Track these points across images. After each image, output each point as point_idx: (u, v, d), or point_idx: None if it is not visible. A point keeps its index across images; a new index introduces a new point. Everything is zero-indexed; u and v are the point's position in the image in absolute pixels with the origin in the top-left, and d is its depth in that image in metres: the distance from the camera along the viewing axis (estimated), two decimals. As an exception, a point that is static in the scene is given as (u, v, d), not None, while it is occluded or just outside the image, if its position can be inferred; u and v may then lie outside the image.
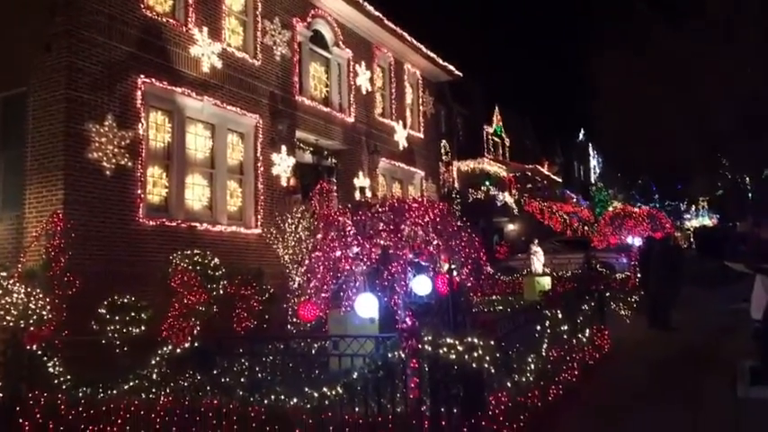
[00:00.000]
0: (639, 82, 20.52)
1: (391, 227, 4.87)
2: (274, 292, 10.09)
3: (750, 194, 23.93)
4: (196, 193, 11.04)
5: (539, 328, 6.40)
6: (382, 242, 5.03)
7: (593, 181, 56.15)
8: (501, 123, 37.63)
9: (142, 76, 9.79)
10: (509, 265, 21.29)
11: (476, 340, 4.33)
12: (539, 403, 5.69)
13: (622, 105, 21.21)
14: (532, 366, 5.69)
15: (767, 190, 20.94)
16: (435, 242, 5.36)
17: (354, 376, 4.74)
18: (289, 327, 9.83)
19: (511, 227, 31.40)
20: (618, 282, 15.51)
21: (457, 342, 4.33)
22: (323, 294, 5.41)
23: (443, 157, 27.88)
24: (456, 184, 28.63)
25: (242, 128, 12.11)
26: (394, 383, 4.66)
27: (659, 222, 18.46)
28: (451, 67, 20.52)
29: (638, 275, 13.53)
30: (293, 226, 11.97)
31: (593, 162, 61.15)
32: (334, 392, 4.77)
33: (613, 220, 19.25)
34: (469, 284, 5.81)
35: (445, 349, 4.30)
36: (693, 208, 58.36)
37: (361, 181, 15.84)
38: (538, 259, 16.29)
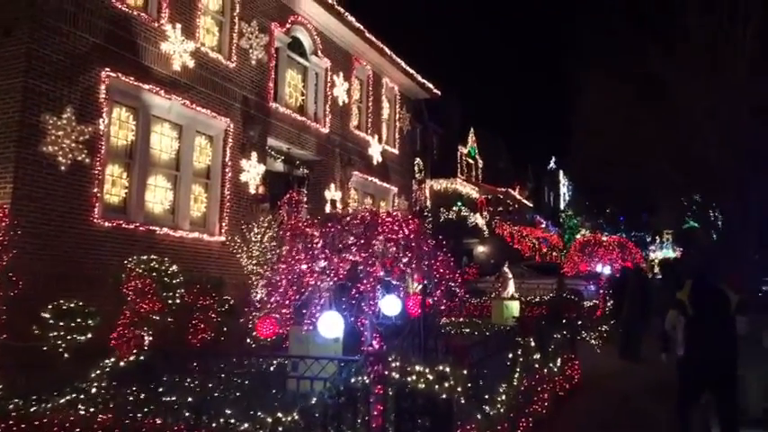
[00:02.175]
0: (615, 108, 20.69)
1: (362, 241, 4.53)
2: (235, 303, 9.62)
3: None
4: (158, 195, 10.52)
5: (511, 355, 6.09)
6: (352, 257, 4.69)
7: (562, 208, 56.74)
8: (475, 145, 37.74)
9: (107, 69, 9.30)
10: (477, 287, 21.04)
11: (447, 369, 3.98)
12: (508, 437, 5.36)
13: (596, 132, 21.36)
14: (504, 397, 5.36)
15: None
16: (408, 260, 5.03)
17: (313, 401, 4.34)
18: (248, 341, 9.35)
19: (480, 249, 31.29)
20: (586, 310, 15.36)
21: (427, 370, 3.97)
22: (283, 310, 5.03)
23: (417, 175, 27.69)
24: (428, 203, 28.44)
25: (211, 131, 11.64)
26: (356, 411, 4.26)
27: (629, 252, 18.48)
28: (430, 85, 20.38)
29: (610, 304, 13.39)
30: (259, 235, 11.54)
31: (563, 189, 61.91)
32: (289, 419, 4.36)
33: (584, 248, 19.22)
34: (442, 307, 5.47)
35: (414, 377, 3.94)
36: (658, 240, 59.42)
37: (333, 193, 15.47)
38: (511, 283, 16.08)
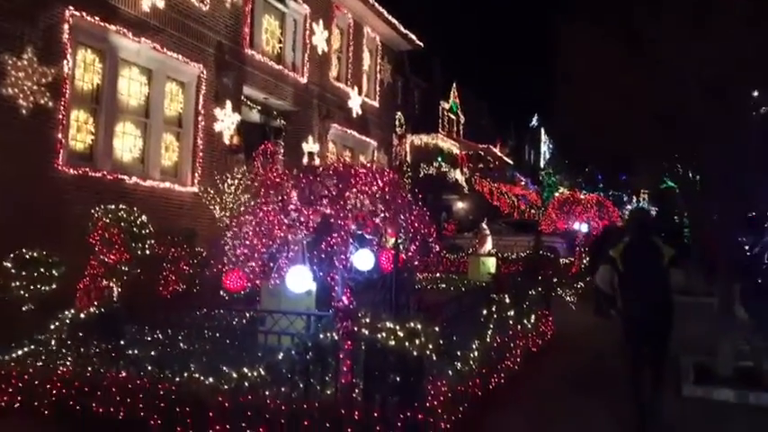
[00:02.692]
0: (597, 66, 20.38)
1: (334, 193, 4.33)
2: (208, 255, 9.41)
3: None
4: (127, 143, 10.14)
5: (485, 312, 6.01)
6: (324, 210, 4.49)
7: (542, 166, 56.82)
8: (458, 101, 37.28)
9: (71, 7, 8.77)
10: (455, 243, 21.09)
11: (419, 326, 3.85)
12: (479, 392, 5.32)
13: (578, 90, 21.11)
14: (476, 354, 5.30)
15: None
16: (382, 214, 4.85)
17: (280, 357, 4.22)
18: (222, 294, 9.20)
19: (460, 205, 31.27)
20: (562, 267, 15.45)
21: (398, 327, 3.84)
22: (251, 263, 4.85)
23: (397, 130, 27.27)
24: (408, 158, 28.17)
25: (183, 77, 11.18)
26: (324, 367, 4.15)
27: (606, 210, 18.53)
28: (412, 36, 19.86)
29: (586, 261, 13.45)
30: (233, 187, 11.26)
31: (544, 148, 61.86)
32: (255, 374, 4.23)
33: (562, 206, 19.22)
34: (417, 262, 5.33)
35: (384, 334, 3.81)
36: (635, 199, 60.01)
37: (311, 146, 15.13)
38: (488, 240, 16.05)
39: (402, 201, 4.97)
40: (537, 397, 5.94)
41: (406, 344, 3.80)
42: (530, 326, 7.43)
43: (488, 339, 5.73)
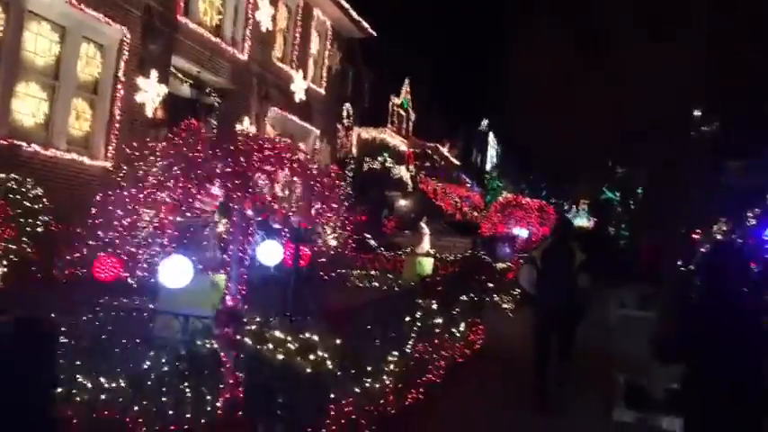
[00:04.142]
0: (549, 74, 20.30)
1: (228, 170, 3.67)
2: (85, 236, 8.46)
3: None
4: (29, 106, 9.02)
5: (408, 319, 5.38)
6: (215, 190, 3.81)
7: (488, 169, 57.13)
8: (409, 96, 36.77)
9: (-33, -56, 7.66)
10: (394, 240, 20.50)
11: (315, 337, 3.17)
12: (392, 411, 4.69)
13: (528, 97, 21.01)
14: (392, 367, 4.66)
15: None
16: (296, 199, 4.20)
17: (146, 366, 3.45)
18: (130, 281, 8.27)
19: (402, 202, 30.75)
20: (499, 272, 15.06)
21: (289, 338, 3.15)
22: (126, 247, 4.11)
23: (345, 121, 26.50)
24: (354, 150, 27.43)
25: (103, 39, 10.11)
26: (200, 381, 3.42)
27: (548, 216, 18.31)
28: (364, 23, 19.16)
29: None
30: (150, 164, 10.25)
31: (492, 152, 62.26)
32: (114, 385, 3.46)
33: (504, 209, 18.92)
34: (326, 258, 4.68)
35: (270, 346, 3.11)
36: (575, 208, 61.13)
37: (247, 127, 14.20)
38: (426, 239, 15.53)
39: (320, 184, 4.34)
40: (457, 413, 5.37)
41: (298, 358, 3.11)
42: (459, 334, 6.87)
43: (408, 350, 5.10)
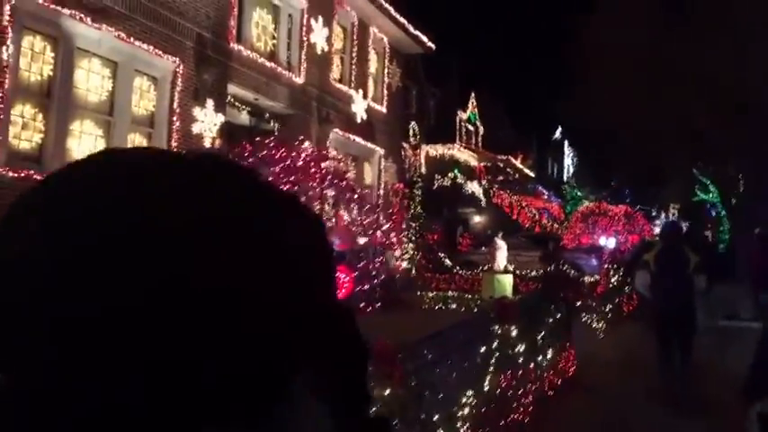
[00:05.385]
0: (626, 80, 18.87)
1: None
2: None
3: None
4: (85, 143, 8.93)
5: (483, 349, 4.56)
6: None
7: (565, 179, 54.96)
8: (476, 110, 35.87)
9: (13, -14, 7.63)
10: (470, 258, 19.54)
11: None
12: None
13: (605, 103, 19.62)
14: (466, 411, 3.86)
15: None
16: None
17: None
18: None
19: (477, 218, 29.72)
20: (586, 286, 13.85)
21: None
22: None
23: (411, 140, 25.96)
24: (423, 169, 26.78)
25: (156, 71, 9.99)
26: None
27: (636, 223, 16.86)
28: (424, 38, 18.57)
29: (615, 281, 11.85)
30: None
31: (568, 161, 60.00)
32: None
33: (587, 218, 17.60)
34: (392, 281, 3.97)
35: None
36: (664, 213, 57.68)
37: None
38: (501, 254, 14.54)
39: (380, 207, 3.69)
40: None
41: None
42: (545, 363, 5.95)
43: (486, 388, 4.27)
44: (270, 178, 1.99)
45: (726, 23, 15.37)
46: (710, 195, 21.42)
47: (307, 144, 12.81)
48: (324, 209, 2.99)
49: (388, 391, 2.60)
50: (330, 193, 3.29)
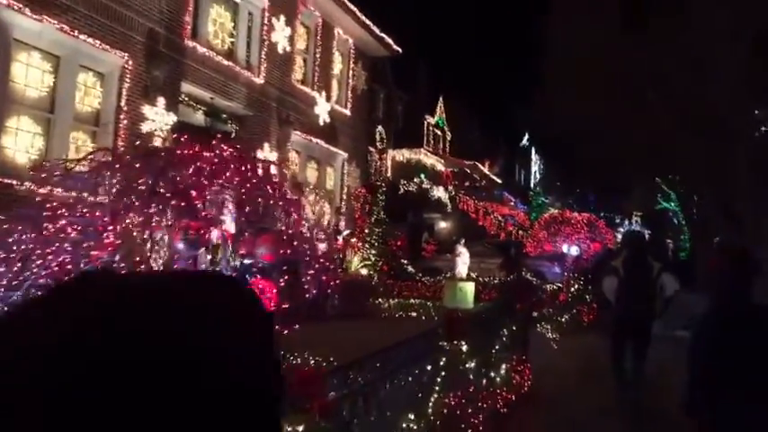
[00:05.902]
0: (586, 86, 18.88)
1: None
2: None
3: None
4: (22, 141, 8.42)
5: (430, 368, 4.28)
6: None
7: (532, 186, 55.39)
8: (444, 115, 35.82)
9: (-58, -29, 7.12)
10: (434, 265, 19.33)
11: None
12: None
13: (568, 110, 19.62)
14: (407, 436, 3.56)
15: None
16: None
17: None
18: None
19: (443, 224, 29.58)
20: (548, 294, 13.73)
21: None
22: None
23: (378, 144, 25.68)
24: (389, 174, 26.52)
25: (102, 67, 9.52)
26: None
27: (598, 231, 16.87)
28: (389, 40, 18.34)
29: (575, 289, 11.74)
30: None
31: (535, 168, 60.52)
32: None
33: (549, 225, 17.57)
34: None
35: None
36: (627, 221, 58.57)
37: (268, 154, 13.45)
38: (462, 261, 14.33)
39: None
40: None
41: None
42: (499, 379, 5.70)
43: (429, 409, 3.99)
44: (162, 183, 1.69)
45: (682, 40, 15.52)
46: (672, 204, 21.62)
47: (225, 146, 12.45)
48: (241, 218, 2.75)
49: (302, 428, 2.29)
50: (257, 199, 3.04)
